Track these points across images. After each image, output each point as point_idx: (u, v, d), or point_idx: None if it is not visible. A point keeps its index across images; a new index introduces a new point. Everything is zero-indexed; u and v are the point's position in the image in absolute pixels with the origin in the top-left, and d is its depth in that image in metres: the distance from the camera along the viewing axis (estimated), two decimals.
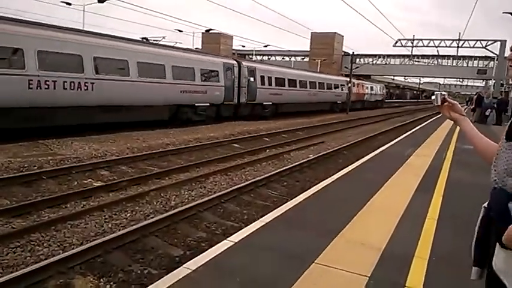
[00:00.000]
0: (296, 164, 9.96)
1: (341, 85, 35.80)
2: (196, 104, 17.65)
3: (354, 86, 38.31)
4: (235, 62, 21.03)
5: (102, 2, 27.54)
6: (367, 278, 3.14)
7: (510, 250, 1.42)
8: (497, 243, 1.48)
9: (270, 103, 23.81)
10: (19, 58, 10.90)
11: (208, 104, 18.38)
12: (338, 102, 35.03)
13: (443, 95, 1.95)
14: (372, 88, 45.82)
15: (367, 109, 42.16)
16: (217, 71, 19.18)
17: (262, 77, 22.89)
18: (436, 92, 1.97)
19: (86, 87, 12.59)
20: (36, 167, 8.14)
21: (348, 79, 37.05)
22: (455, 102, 1.95)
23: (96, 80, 12.91)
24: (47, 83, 11.48)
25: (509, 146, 1.47)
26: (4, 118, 10.56)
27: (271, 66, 27.56)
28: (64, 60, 12.07)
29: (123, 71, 14.05)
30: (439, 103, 1.95)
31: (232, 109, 20.74)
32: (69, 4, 32.08)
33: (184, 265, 3.29)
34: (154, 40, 30.89)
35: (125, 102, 14.00)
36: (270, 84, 23.72)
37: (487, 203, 1.59)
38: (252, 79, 21.82)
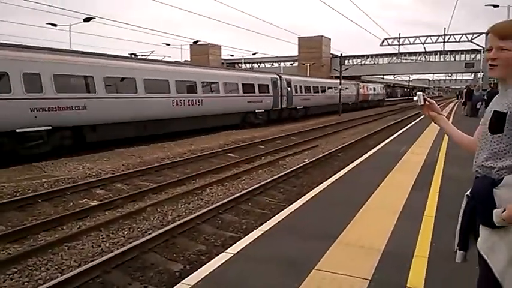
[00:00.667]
0: (292, 169, 9.96)
1: (349, 88, 40.61)
2: (256, 111, 23.22)
3: (360, 87, 43.93)
4: (277, 76, 26.18)
5: (88, 21, 27.59)
6: (368, 281, 3.12)
7: (491, 228, 1.47)
8: (481, 225, 1.53)
9: (302, 107, 29.03)
10: (167, 85, 16.47)
11: (263, 110, 23.94)
12: (349, 103, 39.56)
13: (424, 95, 2.01)
14: (374, 89, 50.47)
15: (372, 108, 46.26)
16: (267, 85, 24.55)
17: (295, 87, 28.01)
18: (418, 93, 2.03)
19: (199, 103, 18.18)
20: (30, 191, 8.06)
21: (353, 82, 42.23)
22: (433, 101, 2.03)
23: (203, 97, 18.63)
24: (181, 101, 17.09)
25: (494, 139, 1.52)
26: (160, 126, 15.92)
27: (301, 77, 32.87)
28: (187, 86, 17.89)
29: (216, 89, 19.92)
30: (423, 103, 2.00)
31: (277, 113, 25.92)
32: (55, 25, 31.97)
33: (183, 281, 3.26)
34: (143, 55, 30.90)
35: (217, 111, 19.53)
36: (301, 92, 29.01)
37: (469, 191, 1.63)
38: (289, 89, 26.81)
